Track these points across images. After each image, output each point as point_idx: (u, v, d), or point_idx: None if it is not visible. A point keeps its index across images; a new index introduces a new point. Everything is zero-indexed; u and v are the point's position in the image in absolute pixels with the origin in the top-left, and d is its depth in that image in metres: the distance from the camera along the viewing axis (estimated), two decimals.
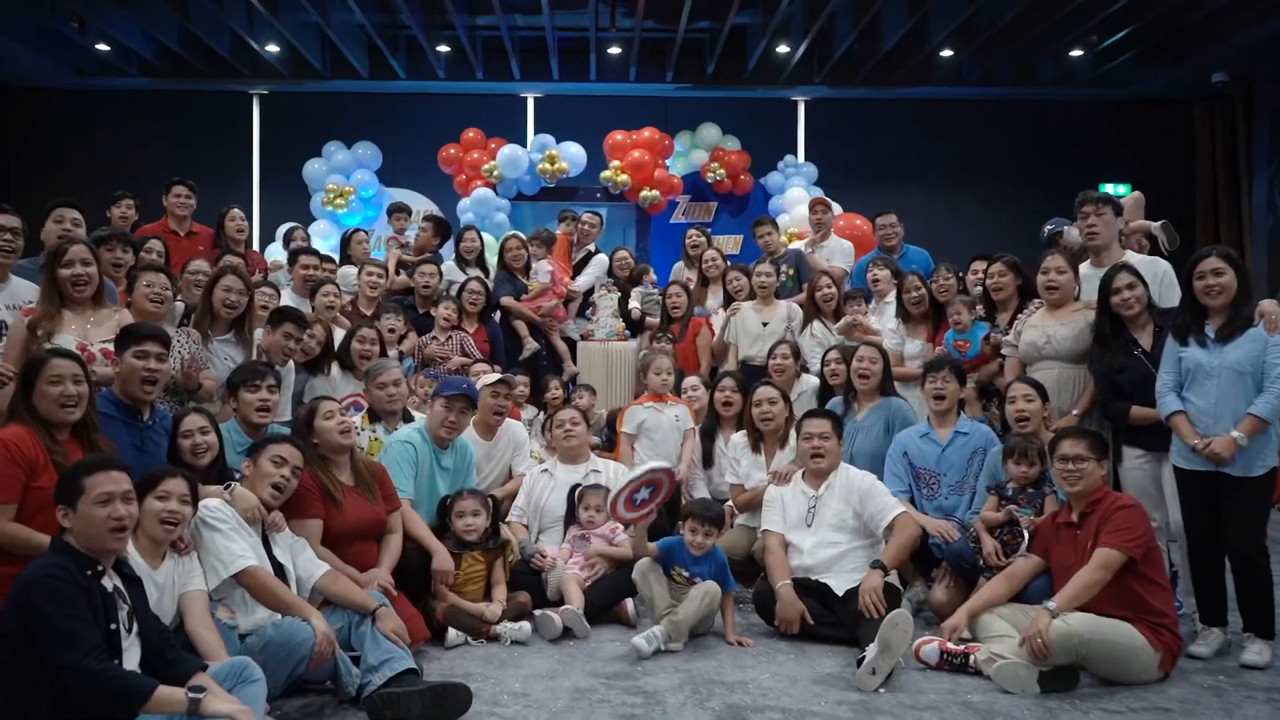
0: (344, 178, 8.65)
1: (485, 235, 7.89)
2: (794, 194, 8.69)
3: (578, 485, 4.33)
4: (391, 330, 5.92)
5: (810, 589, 3.75)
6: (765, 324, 6.26)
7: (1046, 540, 3.56)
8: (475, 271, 7.03)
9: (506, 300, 6.78)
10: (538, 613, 3.80)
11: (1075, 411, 4.12)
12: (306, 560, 3.13)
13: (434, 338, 6.33)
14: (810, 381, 5.55)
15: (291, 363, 4.64)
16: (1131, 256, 4.35)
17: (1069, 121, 10.13)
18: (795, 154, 9.66)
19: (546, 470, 4.54)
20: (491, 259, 7.31)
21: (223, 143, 9.94)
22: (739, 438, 4.65)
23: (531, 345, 6.77)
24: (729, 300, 6.55)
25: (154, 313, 4.01)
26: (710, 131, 9.03)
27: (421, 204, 8.98)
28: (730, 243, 8.91)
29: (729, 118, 9.29)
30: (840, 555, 3.81)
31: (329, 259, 6.44)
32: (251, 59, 9.01)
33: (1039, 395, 3.95)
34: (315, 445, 3.50)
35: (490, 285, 6.80)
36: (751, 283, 6.38)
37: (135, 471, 2.65)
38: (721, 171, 8.86)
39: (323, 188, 8.62)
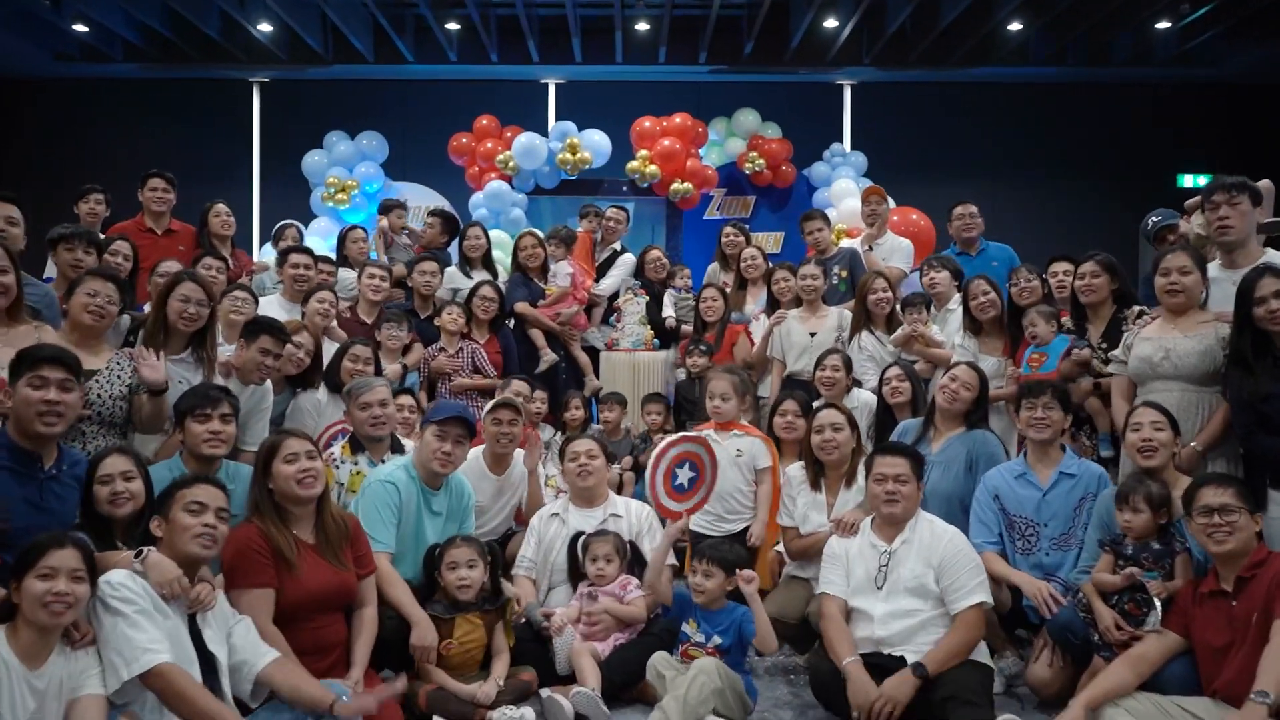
0: (347, 171, 8.11)
1: (499, 233, 7.29)
2: (842, 186, 8.02)
3: (581, 533, 3.70)
4: (394, 340, 5.39)
5: (882, 667, 3.09)
6: (813, 334, 5.64)
7: (1186, 612, 2.92)
8: (483, 274, 6.44)
9: (521, 306, 6.22)
10: (544, 693, 3.19)
11: (1196, 446, 3.43)
12: (249, 644, 2.52)
13: (441, 349, 5.77)
14: (864, 398, 4.91)
15: (270, 383, 4.08)
16: (1274, 256, 3.65)
17: (1149, 106, 9.39)
18: (841, 142, 8.97)
19: (557, 515, 3.92)
20: (505, 259, 6.71)
21: (221, 135, 9.51)
22: (795, 470, 4.00)
23: (550, 357, 6.21)
24: (774, 305, 5.90)
25: (91, 327, 3.45)
26: (748, 118, 8.39)
27: (431, 199, 8.43)
28: (771, 241, 8.26)
29: (769, 103, 8.68)
30: (919, 626, 3.16)
31: (327, 260, 5.86)
32: (246, 42, 8.52)
33: (1169, 423, 3.27)
34: (270, 492, 2.90)
35: (502, 289, 6.21)
36: (797, 286, 5.74)
37: (29, 533, 2.08)
38: (761, 162, 8.22)
39: (323, 182, 8.06)
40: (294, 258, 5.41)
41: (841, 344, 5.63)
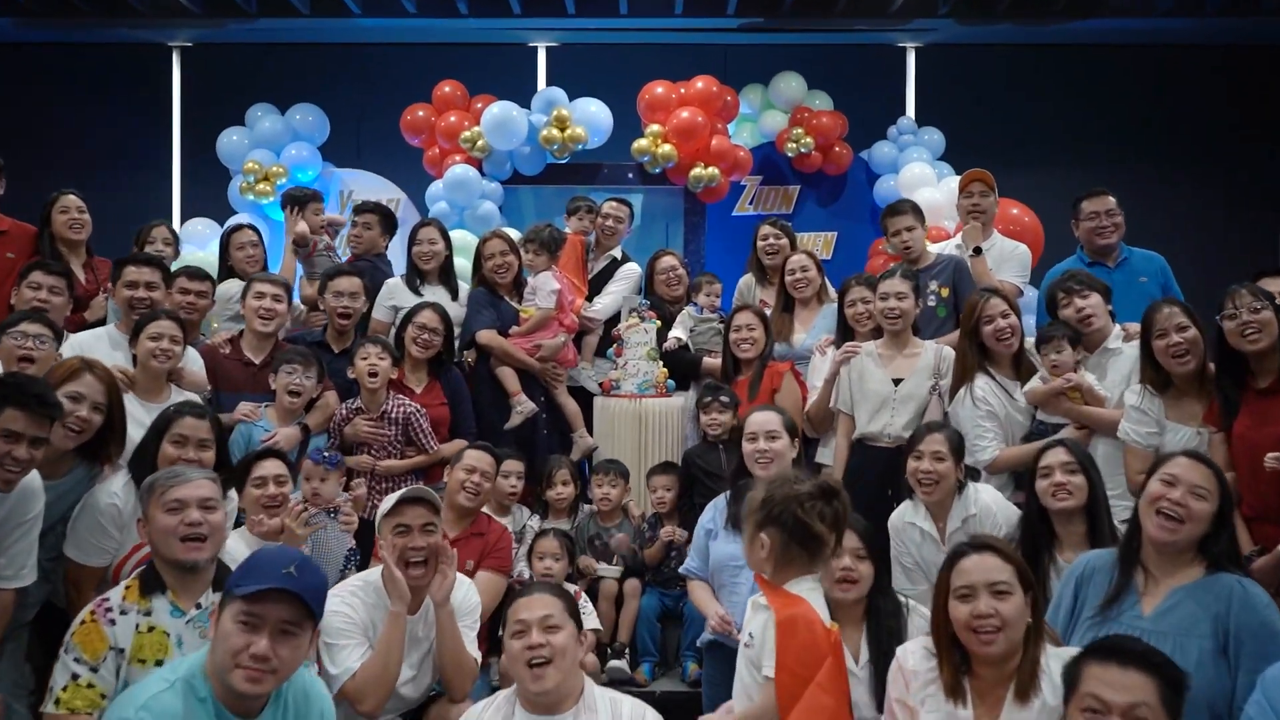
0: (273, 154, 6.67)
1: (463, 234, 5.81)
2: (914, 173, 6.53)
3: None
4: (294, 394, 4.07)
5: None
6: (898, 381, 4.16)
7: None
8: (439, 291, 5.02)
9: (485, 335, 4.86)
10: None
11: None
12: None
13: (357, 409, 4.33)
14: (987, 501, 3.43)
15: (31, 481, 2.68)
16: None
17: None
18: (907, 115, 7.48)
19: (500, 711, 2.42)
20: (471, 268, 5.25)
21: (134, 112, 8.13)
22: (915, 657, 2.42)
23: (525, 408, 4.82)
24: (845, 334, 4.41)
25: None
26: (790, 85, 6.90)
27: (384, 192, 6.96)
28: (820, 243, 6.73)
29: (816, 66, 7.23)
30: None
31: (199, 276, 4.40)
32: None
33: None
34: None
35: (452, 314, 4.73)
36: (878, 310, 4.26)
37: None
38: (808, 141, 6.71)
39: (242, 168, 6.59)
40: (128, 271, 3.98)
41: (941, 397, 4.11)
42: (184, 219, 7.50)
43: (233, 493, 3.46)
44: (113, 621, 2.43)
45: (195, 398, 3.91)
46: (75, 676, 2.37)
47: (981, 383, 3.93)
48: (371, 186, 6.98)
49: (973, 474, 3.56)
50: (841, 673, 2.33)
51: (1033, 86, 7.84)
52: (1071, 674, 1.97)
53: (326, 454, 3.68)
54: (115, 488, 3.10)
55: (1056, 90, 7.81)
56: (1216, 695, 2.30)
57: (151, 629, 2.47)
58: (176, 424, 3.21)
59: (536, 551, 4.04)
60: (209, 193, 7.31)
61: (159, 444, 3.21)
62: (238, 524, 3.44)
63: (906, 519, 3.49)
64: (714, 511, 3.71)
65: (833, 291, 4.77)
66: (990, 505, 3.37)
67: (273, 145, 6.72)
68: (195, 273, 4.37)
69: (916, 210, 4.81)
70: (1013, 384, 3.97)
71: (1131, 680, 1.88)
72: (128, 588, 2.52)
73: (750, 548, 2.37)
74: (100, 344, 3.85)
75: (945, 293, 4.62)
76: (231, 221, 6.67)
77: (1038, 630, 2.25)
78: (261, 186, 6.55)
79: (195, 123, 7.87)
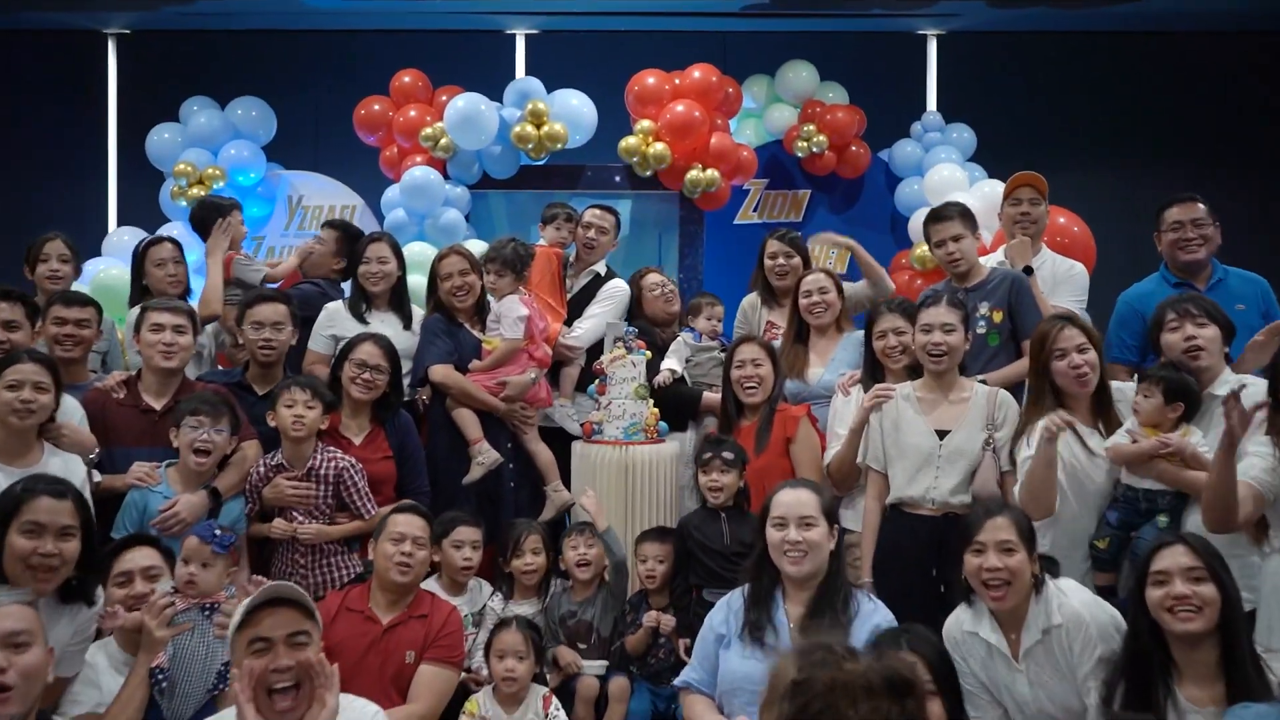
0: (210, 154, 5.90)
1: (422, 248, 5.05)
2: (944, 176, 5.82)
3: None
4: (201, 452, 3.42)
5: None
6: (944, 433, 3.50)
7: None
8: (390, 319, 4.36)
9: (440, 371, 4.20)
10: None
11: None
12: None
13: (278, 465, 3.63)
14: (1075, 608, 2.76)
15: None
16: None
17: None
18: (927, 111, 6.77)
19: None
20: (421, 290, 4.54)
21: (66, 107, 7.40)
22: None
23: (487, 457, 4.15)
24: (874, 374, 3.78)
25: None
26: (800, 75, 6.19)
27: (340, 198, 6.23)
28: (833, 257, 5.98)
29: (828, 56, 6.52)
30: None
31: (78, 302, 3.68)
32: None
33: None
34: None
35: (397, 346, 4.02)
36: (917, 344, 3.55)
37: None
38: (821, 139, 5.96)
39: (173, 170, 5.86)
40: None
41: (995, 454, 3.41)
42: (121, 223, 6.82)
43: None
44: None
45: (75, 461, 3.18)
46: None
47: (1068, 439, 3.21)
48: (325, 191, 6.22)
49: (1050, 565, 2.80)
50: None
51: (1076, 77, 7.13)
52: None
53: (218, 532, 2.93)
54: None
55: (1104, 81, 7.09)
56: None
57: None
58: (28, 508, 2.55)
59: (495, 649, 3.30)
60: (145, 197, 6.56)
61: (6, 533, 2.55)
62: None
63: (967, 628, 2.74)
64: (727, 613, 2.96)
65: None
66: (1080, 613, 2.63)
67: (210, 144, 5.96)
68: (73, 298, 3.66)
69: (966, 215, 4.08)
70: (1092, 434, 3.26)
71: None
72: None
73: None
74: None
75: (998, 317, 3.91)
76: (162, 230, 6.01)
77: None
78: (195, 191, 5.79)
79: (131, 118, 7.18)
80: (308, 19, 6.84)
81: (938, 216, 4.10)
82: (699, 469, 3.63)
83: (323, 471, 3.60)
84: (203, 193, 5.79)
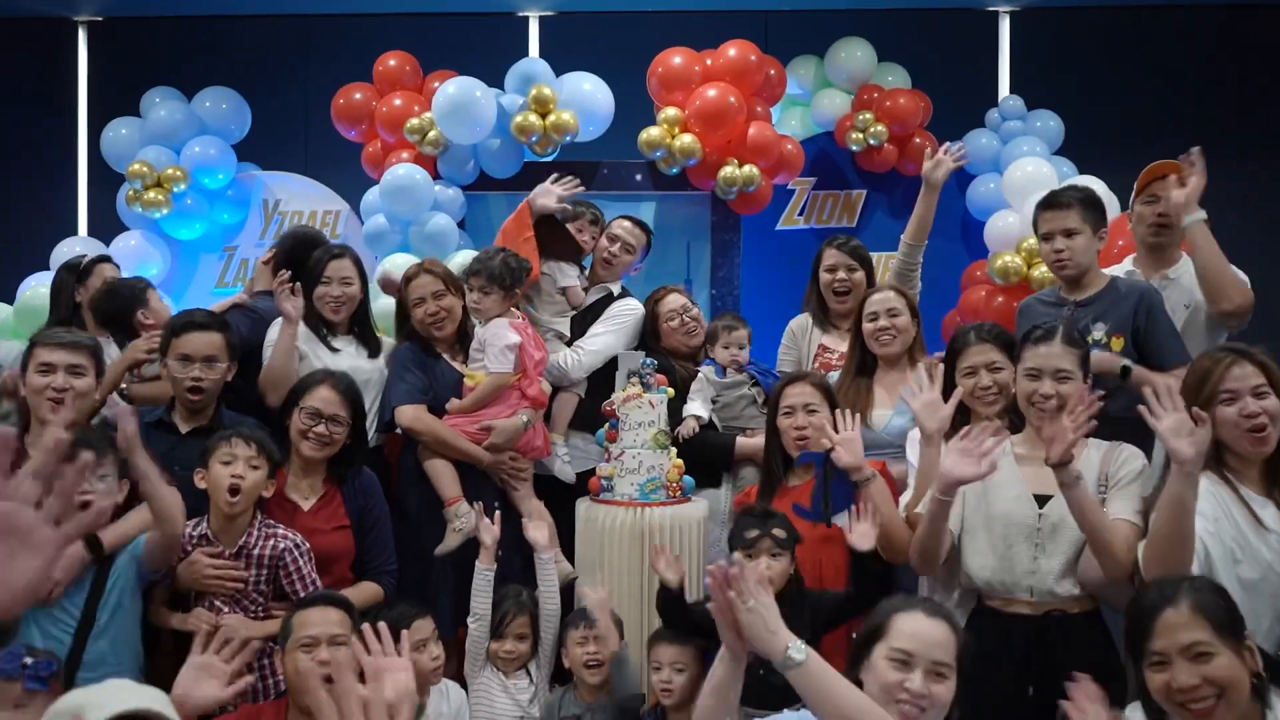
0: (172, 153, 5.21)
1: (404, 259, 4.30)
2: (1025, 171, 5.04)
3: None
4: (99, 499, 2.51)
5: None
6: (1045, 501, 2.81)
7: None
8: (347, 346, 3.60)
9: (409, 414, 3.54)
10: None
11: None
12: None
13: (203, 536, 2.93)
14: None
15: None
16: None
17: None
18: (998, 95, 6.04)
19: None
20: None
21: (34, 101, 6.77)
22: None
23: (464, 521, 3.45)
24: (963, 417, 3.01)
25: None
26: (855, 55, 5.43)
27: (322, 201, 5.58)
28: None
29: (887, 34, 5.78)
30: None
31: None
32: None
33: None
34: None
35: (358, 385, 3.34)
36: (1022, 390, 2.75)
37: None
38: (880, 130, 5.17)
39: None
40: None
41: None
42: (92, 232, 6.18)
43: None
44: None
45: None
46: None
47: (1209, 491, 2.41)
48: (305, 194, 5.55)
49: (1272, 668, 1.97)
50: None
51: (1176, 56, 6.32)
52: None
53: (29, 660, 2.19)
54: None
55: (1210, 59, 6.28)
56: None
57: None
58: None
59: None
60: (105, 202, 5.93)
61: None
62: None
63: None
64: None
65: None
66: None
67: (170, 141, 5.28)
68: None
69: (1091, 205, 3.30)
70: (1263, 504, 2.44)
71: None
72: None
73: None
74: None
75: (1118, 345, 3.09)
76: (118, 241, 5.32)
77: None
78: (153, 195, 5.11)
79: (100, 114, 6.60)
80: (290, 2, 6.19)
81: (1051, 202, 3.33)
82: (744, 552, 2.80)
83: (257, 552, 2.86)
84: (160, 198, 5.10)
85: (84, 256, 4.01)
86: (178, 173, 5.15)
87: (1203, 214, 3.28)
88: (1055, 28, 6.42)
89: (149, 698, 1.71)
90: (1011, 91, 6.24)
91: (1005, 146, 5.28)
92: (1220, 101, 6.30)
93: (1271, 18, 6.32)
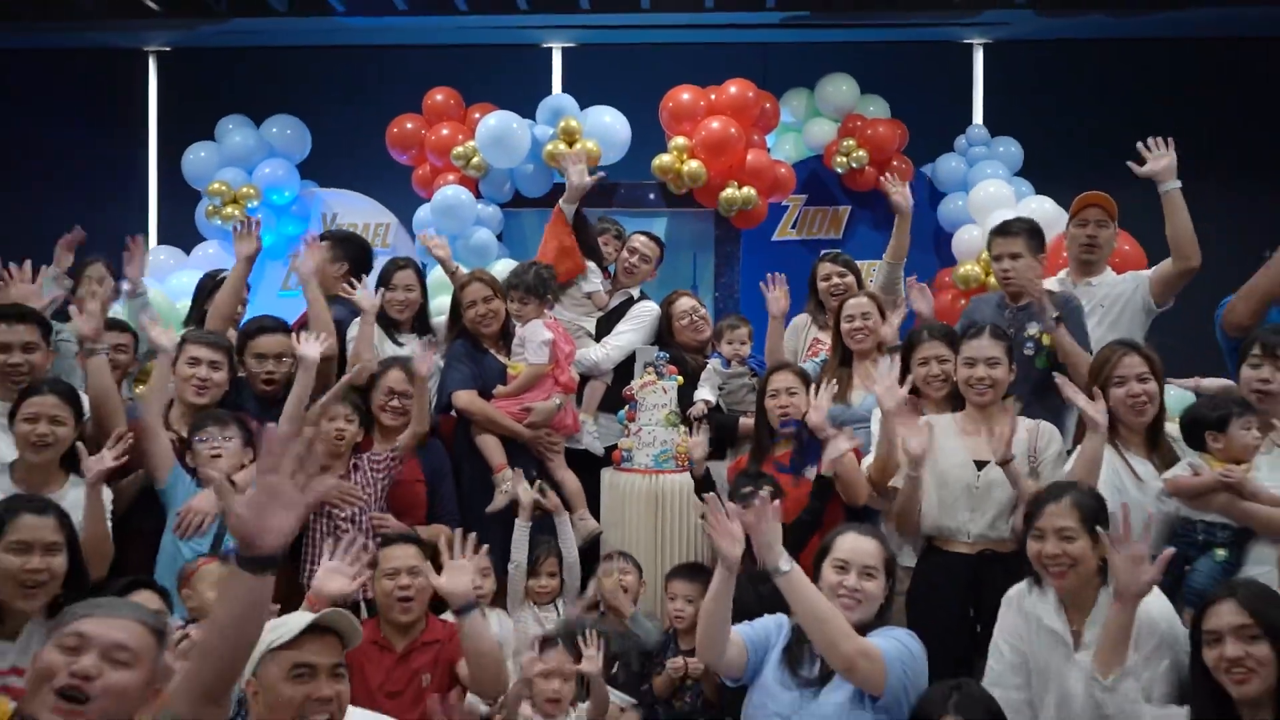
0: (245, 173, 5.91)
1: (453, 269, 4.95)
2: (989, 192, 5.69)
3: None
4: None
5: None
6: (981, 465, 3.47)
7: None
8: (410, 344, 4.25)
9: (464, 398, 4.15)
10: None
11: None
12: None
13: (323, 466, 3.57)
14: (1153, 615, 2.67)
15: None
16: None
17: None
18: (973, 124, 6.58)
19: None
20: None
21: (106, 127, 7.40)
22: None
23: (509, 483, 4.05)
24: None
25: None
26: (840, 89, 6.06)
27: (371, 215, 6.22)
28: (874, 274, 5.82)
29: (869, 68, 6.37)
30: None
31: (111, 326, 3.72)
32: None
33: None
34: None
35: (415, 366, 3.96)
36: (960, 376, 3.45)
37: None
38: (861, 154, 5.82)
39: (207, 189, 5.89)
40: None
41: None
42: (162, 242, 6.82)
43: None
44: None
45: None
46: None
47: (1114, 465, 3.15)
48: (358, 209, 6.23)
49: None
50: None
51: (1130, 88, 6.81)
52: None
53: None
54: None
55: (1161, 93, 6.74)
56: None
57: None
58: (10, 526, 2.53)
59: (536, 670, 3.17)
60: (182, 217, 6.59)
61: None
62: None
63: (1028, 608, 2.73)
64: (780, 627, 2.81)
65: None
66: (1152, 614, 2.56)
67: (245, 163, 5.98)
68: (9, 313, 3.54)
69: (1033, 234, 3.95)
70: (1145, 463, 3.16)
71: None
72: None
73: None
74: None
75: (1048, 340, 3.77)
76: (197, 250, 6.03)
77: None
78: (230, 210, 5.82)
79: (170, 137, 7.21)
80: (343, 35, 6.81)
81: (1002, 230, 4.00)
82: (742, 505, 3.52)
83: (370, 484, 3.69)
84: (238, 211, 5.80)
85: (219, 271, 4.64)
86: (251, 191, 5.86)
87: (1178, 183, 3.83)
88: (1024, 60, 6.96)
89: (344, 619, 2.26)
90: (984, 118, 6.81)
91: (971, 169, 5.93)
92: (1168, 130, 6.80)
93: (1215, 51, 6.83)
